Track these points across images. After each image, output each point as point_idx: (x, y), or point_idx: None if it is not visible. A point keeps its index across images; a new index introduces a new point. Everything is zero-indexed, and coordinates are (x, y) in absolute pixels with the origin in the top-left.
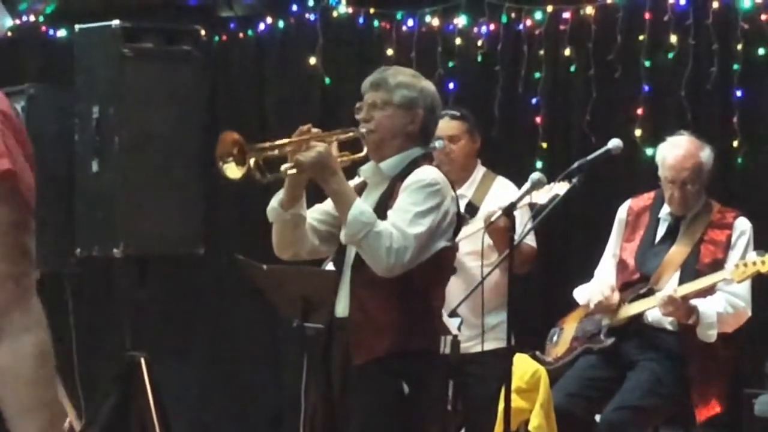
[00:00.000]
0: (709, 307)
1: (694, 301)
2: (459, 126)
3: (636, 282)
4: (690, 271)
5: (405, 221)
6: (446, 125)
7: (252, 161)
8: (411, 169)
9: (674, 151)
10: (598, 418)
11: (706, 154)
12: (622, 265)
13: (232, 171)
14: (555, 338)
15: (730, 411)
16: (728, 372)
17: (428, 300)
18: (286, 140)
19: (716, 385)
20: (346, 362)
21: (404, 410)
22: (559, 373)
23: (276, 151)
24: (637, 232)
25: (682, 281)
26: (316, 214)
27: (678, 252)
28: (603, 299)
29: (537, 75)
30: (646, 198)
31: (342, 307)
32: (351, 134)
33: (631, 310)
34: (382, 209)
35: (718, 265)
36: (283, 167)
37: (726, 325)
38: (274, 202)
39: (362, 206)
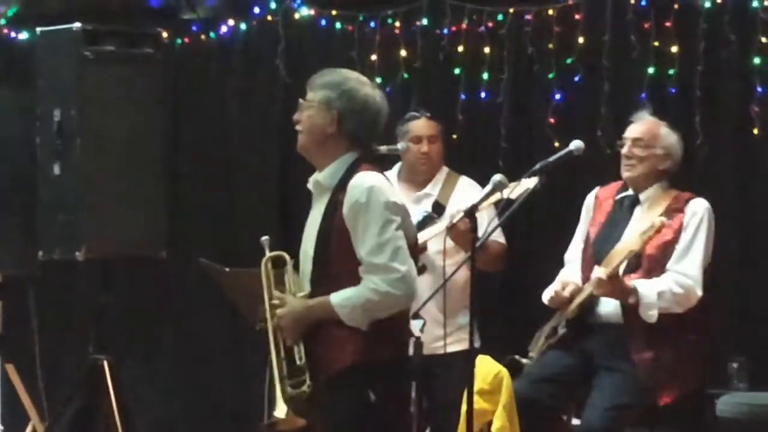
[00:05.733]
0: (649, 287)
1: (633, 282)
2: (436, 127)
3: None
4: (636, 258)
5: (375, 254)
6: (425, 125)
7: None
8: (349, 176)
9: (637, 117)
10: (567, 409)
11: (665, 131)
12: (585, 251)
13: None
14: (537, 338)
15: (692, 411)
16: (691, 354)
17: None
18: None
19: (675, 369)
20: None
21: (371, 418)
22: None
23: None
24: (599, 219)
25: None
26: None
27: (630, 240)
28: (554, 294)
29: (500, 76)
30: (613, 186)
31: None
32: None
33: (578, 298)
34: (327, 223)
35: (667, 246)
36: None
37: (675, 304)
38: None
39: (337, 297)
